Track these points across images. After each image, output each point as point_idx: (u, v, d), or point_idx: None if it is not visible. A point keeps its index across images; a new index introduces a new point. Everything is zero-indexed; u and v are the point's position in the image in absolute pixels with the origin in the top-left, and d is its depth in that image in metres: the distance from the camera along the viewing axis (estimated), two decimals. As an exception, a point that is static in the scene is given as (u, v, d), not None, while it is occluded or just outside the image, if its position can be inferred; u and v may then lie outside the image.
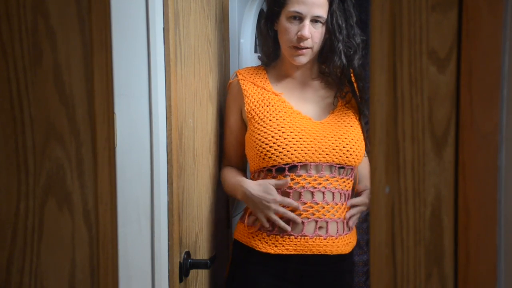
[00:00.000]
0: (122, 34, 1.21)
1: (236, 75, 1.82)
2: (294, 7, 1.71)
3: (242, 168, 1.88)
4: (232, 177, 1.79)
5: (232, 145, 1.84)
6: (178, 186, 1.40)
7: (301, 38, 1.71)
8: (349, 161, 1.72)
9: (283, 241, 1.67)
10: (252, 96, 1.76)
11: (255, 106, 1.75)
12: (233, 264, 1.79)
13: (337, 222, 1.71)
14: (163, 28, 1.30)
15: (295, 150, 1.66)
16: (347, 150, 1.72)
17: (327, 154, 1.69)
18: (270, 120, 1.71)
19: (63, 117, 1.08)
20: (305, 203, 1.68)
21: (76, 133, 1.08)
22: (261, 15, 2.19)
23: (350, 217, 1.74)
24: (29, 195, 1.09)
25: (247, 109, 1.76)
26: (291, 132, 1.68)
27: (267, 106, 1.73)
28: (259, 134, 1.70)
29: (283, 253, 1.68)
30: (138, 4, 1.23)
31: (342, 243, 1.72)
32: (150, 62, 1.25)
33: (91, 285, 1.11)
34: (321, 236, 1.67)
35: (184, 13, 1.47)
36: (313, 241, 1.67)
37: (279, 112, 1.73)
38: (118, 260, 1.13)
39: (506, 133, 0.77)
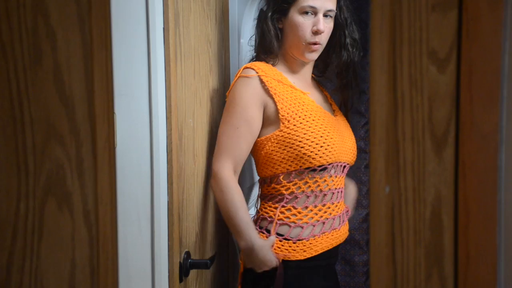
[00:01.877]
0: (122, 34, 1.21)
1: (254, 69, 1.69)
2: (308, 2, 1.68)
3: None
4: (244, 212, 1.62)
5: (248, 143, 1.69)
6: (178, 186, 1.40)
7: (317, 32, 1.69)
8: (353, 160, 1.77)
9: (310, 243, 1.68)
10: (283, 95, 1.67)
11: (289, 105, 1.66)
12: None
13: (340, 215, 1.76)
14: (163, 28, 1.30)
15: (335, 151, 1.66)
16: (354, 150, 1.77)
17: (347, 154, 1.73)
18: (313, 120, 1.65)
19: (63, 117, 1.08)
20: (333, 204, 1.71)
21: (76, 133, 1.08)
22: (259, 15, 2.17)
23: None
24: (29, 195, 1.09)
25: (280, 108, 1.65)
26: (329, 133, 1.67)
27: (301, 106, 1.66)
28: (298, 135, 1.63)
29: (312, 255, 1.69)
30: (138, 4, 1.23)
31: (345, 230, 1.78)
32: (150, 62, 1.25)
33: (91, 285, 1.11)
34: (336, 228, 1.73)
35: (184, 13, 1.47)
36: (332, 235, 1.72)
37: (315, 112, 1.67)
38: (118, 260, 1.13)
39: (506, 133, 0.77)
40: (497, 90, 0.77)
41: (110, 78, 1.09)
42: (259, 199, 1.79)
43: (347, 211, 1.81)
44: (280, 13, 1.74)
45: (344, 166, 1.74)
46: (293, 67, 1.78)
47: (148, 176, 1.27)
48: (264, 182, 1.74)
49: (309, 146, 1.63)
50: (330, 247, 1.72)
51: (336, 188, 1.71)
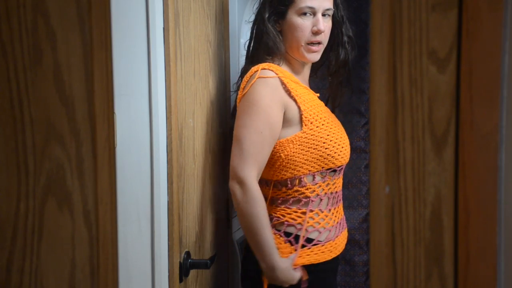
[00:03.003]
0: (122, 34, 1.21)
1: (273, 71, 1.64)
2: (306, 3, 1.67)
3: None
4: (268, 231, 1.57)
5: (271, 147, 1.63)
6: (178, 186, 1.40)
7: (317, 33, 1.68)
8: (348, 160, 1.78)
9: (322, 247, 1.69)
10: (303, 96, 1.65)
11: (310, 106, 1.65)
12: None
13: (340, 223, 1.76)
14: (163, 28, 1.30)
15: (347, 152, 1.69)
16: (349, 149, 1.77)
17: (348, 155, 1.74)
18: (328, 122, 1.66)
19: (63, 117, 1.08)
20: (339, 206, 1.73)
21: (76, 133, 1.08)
22: (256, 17, 2.17)
23: None
24: (29, 195, 1.09)
25: (304, 109, 1.62)
26: (341, 134, 1.71)
27: (317, 107, 1.67)
28: (322, 136, 1.62)
29: (332, 257, 1.68)
30: (138, 4, 1.23)
31: (344, 238, 1.78)
32: (150, 62, 1.25)
33: (91, 285, 1.11)
34: (342, 232, 1.73)
35: (184, 13, 1.47)
36: (339, 241, 1.73)
37: (327, 113, 1.70)
38: (118, 260, 1.13)
39: (506, 133, 0.77)
40: (497, 90, 0.77)
41: (110, 78, 1.09)
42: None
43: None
44: (278, 15, 1.73)
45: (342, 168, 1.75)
46: (295, 68, 1.77)
47: (148, 176, 1.26)
48: (281, 185, 1.67)
49: (333, 147, 1.65)
50: (341, 250, 1.74)
51: (340, 190, 1.73)
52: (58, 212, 1.09)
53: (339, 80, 1.83)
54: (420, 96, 0.80)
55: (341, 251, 1.73)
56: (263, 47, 1.74)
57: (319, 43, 1.69)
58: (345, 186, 2.22)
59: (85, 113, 1.08)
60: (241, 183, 1.57)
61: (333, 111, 1.85)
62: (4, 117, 1.08)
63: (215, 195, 1.80)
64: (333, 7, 1.73)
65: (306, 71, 1.79)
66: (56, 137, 1.08)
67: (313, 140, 1.64)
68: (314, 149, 1.64)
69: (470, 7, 0.78)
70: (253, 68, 1.65)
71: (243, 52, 2.08)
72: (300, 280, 1.61)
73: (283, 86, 1.62)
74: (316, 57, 1.72)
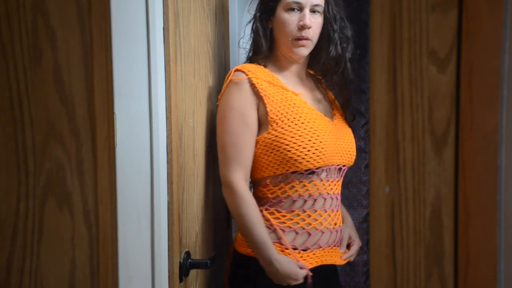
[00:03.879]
0: (122, 34, 1.21)
1: (244, 72, 1.66)
2: None
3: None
4: (260, 227, 1.60)
5: (252, 146, 1.66)
6: (178, 186, 1.40)
7: (303, 27, 1.68)
8: (351, 162, 1.72)
9: (307, 255, 1.65)
10: (273, 96, 1.65)
11: (279, 107, 1.64)
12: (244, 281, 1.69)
13: (337, 232, 1.70)
14: (163, 28, 1.30)
15: (324, 155, 1.61)
16: (353, 151, 1.72)
17: (342, 156, 1.68)
18: (302, 123, 1.60)
19: (63, 117, 1.08)
20: (325, 211, 1.64)
21: (76, 133, 1.08)
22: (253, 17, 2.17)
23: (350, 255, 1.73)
24: (29, 195, 1.09)
25: (270, 110, 1.63)
26: (318, 135, 1.63)
27: (291, 108, 1.63)
28: (285, 139, 1.60)
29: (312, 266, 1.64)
30: (138, 4, 1.23)
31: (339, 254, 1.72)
32: (150, 62, 1.25)
33: (91, 285, 1.11)
34: (336, 245, 1.68)
35: (184, 13, 1.47)
36: (332, 251, 1.67)
37: (306, 114, 1.63)
38: (118, 260, 1.13)
39: (506, 133, 0.77)
40: (497, 90, 0.77)
41: (110, 78, 1.09)
42: None
43: (348, 237, 1.74)
44: (268, 13, 1.74)
45: (340, 168, 1.70)
46: (285, 67, 1.76)
47: (148, 176, 1.26)
48: (253, 184, 1.71)
49: (296, 150, 1.59)
50: (315, 264, 1.63)
51: (329, 193, 1.65)
52: (58, 212, 1.09)
53: (334, 79, 1.80)
54: (420, 96, 0.80)
55: (314, 264, 1.62)
56: (252, 46, 1.77)
57: (306, 38, 1.68)
58: (345, 186, 2.21)
59: (85, 113, 1.08)
60: (229, 187, 1.61)
61: (344, 112, 1.81)
62: (4, 117, 1.08)
63: (215, 195, 1.80)
64: (324, 4, 1.71)
65: (300, 69, 1.77)
66: (56, 137, 1.08)
67: (277, 141, 1.61)
68: (277, 151, 1.61)
69: (470, 7, 0.78)
70: (230, 71, 1.68)
71: (243, 52, 2.08)
72: (306, 278, 1.59)
73: (253, 87, 1.64)
74: (303, 51, 1.70)
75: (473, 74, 0.78)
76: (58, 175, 1.08)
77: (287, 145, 1.60)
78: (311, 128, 1.62)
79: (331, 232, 1.65)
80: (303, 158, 1.59)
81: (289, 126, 1.61)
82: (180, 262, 1.41)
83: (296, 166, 1.59)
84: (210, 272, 1.74)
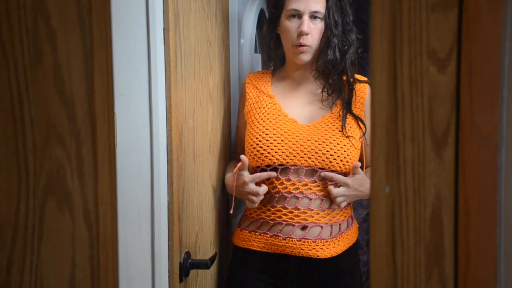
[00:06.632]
0: (122, 34, 1.21)
1: (247, 78, 1.93)
2: (292, 5, 1.74)
3: None
4: (227, 171, 1.89)
5: (242, 141, 1.91)
6: (178, 186, 1.40)
7: (300, 34, 1.72)
8: (332, 165, 1.68)
9: (273, 240, 1.75)
10: (251, 99, 1.85)
11: (252, 108, 1.83)
12: (232, 266, 1.89)
13: (321, 227, 1.72)
14: (163, 28, 1.30)
15: (275, 152, 1.75)
16: (331, 155, 1.68)
17: (309, 158, 1.70)
18: (258, 122, 1.83)
19: (63, 117, 1.08)
20: (286, 208, 1.73)
21: (76, 133, 1.08)
22: (261, 16, 2.19)
23: (336, 197, 1.71)
24: (29, 195, 1.09)
25: (246, 111, 1.85)
26: (273, 134, 1.76)
27: (260, 109, 1.82)
28: (250, 135, 1.81)
29: (269, 251, 1.77)
30: (138, 4, 1.23)
31: (330, 246, 1.73)
32: (150, 62, 1.25)
33: (91, 285, 1.11)
34: (309, 239, 1.72)
35: (184, 13, 1.47)
36: (302, 244, 1.72)
37: (267, 114, 1.83)
38: (118, 260, 1.13)
39: (506, 133, 0.77)
40: (497, 90, 0.77)
41: (110, 78, 1.09)
42: None
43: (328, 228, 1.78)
44: (275, 20, 1.84)
45: (313, 170, 1.71)
46: (290, 71, 1.87)
47: (148, 176, 1.27)
48: None
49: (254, 147, 1.77)
50: (270, 250, 1.77)
51: (303, 193, 1.71)
52: (58, 212, 1.09)
53: (333, 82, 1.81)
54: (420, 96, 0.80)
55: (268, 251, 1.78)
56: (264, 54, 2.03)
57: (305, 45, 1.74)
58: (345, 186, 2.20)
59: (85, 113, 1.08)
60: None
61: (346, 114, 1.82)
62: (4, 117, 1.08)
63: (215, 195, 1.80)
64: (324, 10, 1.73)
65: (303, 73, 1.84)
66: (56, 137, 1.08)
67: (247, 138, 1.82)
68: (246, 147, 1.81)
69: (470, 7, 0.78)
70: None
71: (243, 52, 2.10)
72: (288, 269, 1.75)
73: (244, 91, 1.90)
74: (303, 58, 1.77)
75: (473, 74, 0.78)
76: (58, 175, 1.09)
77: (248, 141, 1.79)
78: (263, 127, 1.79)
79: (293, 226, 1.73)
80: (255, 155, 1.76)
81: (252, 125, 1.81)
82: (180, 262, 1.41)
83: (255, 162, 1.76)
84: (210, 272, 1.74)
